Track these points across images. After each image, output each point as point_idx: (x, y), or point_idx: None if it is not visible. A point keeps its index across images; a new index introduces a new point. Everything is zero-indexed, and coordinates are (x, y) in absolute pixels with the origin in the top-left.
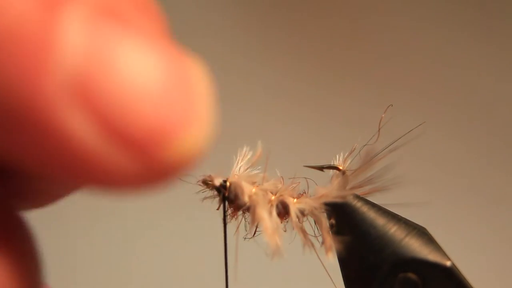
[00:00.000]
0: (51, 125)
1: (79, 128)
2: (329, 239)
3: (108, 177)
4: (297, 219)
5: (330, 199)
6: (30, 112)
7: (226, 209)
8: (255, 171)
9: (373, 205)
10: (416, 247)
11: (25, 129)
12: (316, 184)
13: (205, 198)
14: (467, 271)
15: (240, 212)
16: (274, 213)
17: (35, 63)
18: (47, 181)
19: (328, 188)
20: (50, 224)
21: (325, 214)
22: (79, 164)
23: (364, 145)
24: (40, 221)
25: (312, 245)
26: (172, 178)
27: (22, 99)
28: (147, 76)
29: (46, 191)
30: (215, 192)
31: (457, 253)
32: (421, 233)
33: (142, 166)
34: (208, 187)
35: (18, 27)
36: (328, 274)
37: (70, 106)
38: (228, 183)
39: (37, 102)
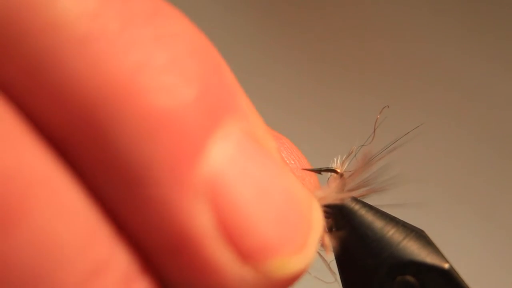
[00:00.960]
0: (176, 210)
1: (200, 222)
2: (327, 242)
3: (211, 273)
4: None
5: (328, 202)
6: (161, 192)
7: None
8: None
9: (371, 208)
10: (414, 250)
11: (150, 205)
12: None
13: None
14: (465, 273)
15: None
16: None
17: (185, 152)
18: None
19: (326, 191)
20: None
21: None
22: (189, 254)
23: (361, 146)
24: None
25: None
26: None
27: (159, 177)
28: (272, 199)
29: None
30: None
31: (455, 254)
32: (419, 235)
33: (243, 274)
34: None
35: (182, 114)
36: (330, 271)
37: (198, 202)
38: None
39: (171, 186)
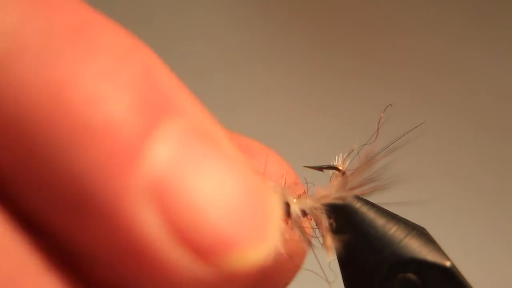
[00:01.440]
0: (123, 217)
1: (148, 226)
2: (329, 239)
3: (168, 274)
4: (298, 219)
5: (330, 200)
6: (104, 202)
7: None
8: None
9: (373, 206)
10: (416, 248)
11: (96, 217)
12: (314, 184)
13: None
14: (466, 271)
15: None
16: None
17: (124, 158)
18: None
19: (328, 189)
20: None
21: (325, 215)
22: (142, 259)
23: (364, 144)
24: None
25: (312, 245)
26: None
27: (100, 189)
28: (223, 192)
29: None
30: None
31: (457, 252)
32: (421, 233)
33: (201, 271)
34: None
35: (115, 124)
36: (325, 275)
37: (144, 205)
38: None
39: (114, 195)
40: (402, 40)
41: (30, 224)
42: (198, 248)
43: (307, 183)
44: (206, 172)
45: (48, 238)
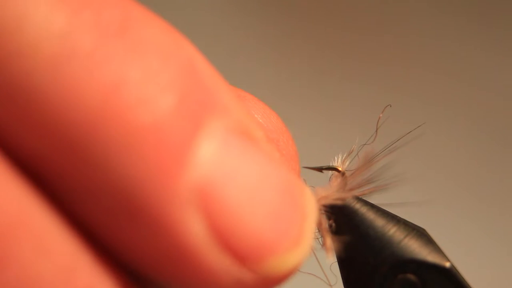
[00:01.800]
0: (170, 223)
1: (194, 232)
2: (329, 240)
3: (209, 278)
4: None
5: (329, 200)
6: (152, 207)
7: None
8: None
9: (372, 206)
10: (415, 248)
11: (141, 221)
12: (314, 185)
13: None
14: (466, 272)
15: None
16: None
17: (171, 162)
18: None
19: (328, 190)
20: None
21: (324, 215)
22: (185, 264)
23: (363, 145)
24: None
25: (311, 245)
26: None
27: (149, 194)
28: (265, 195)
29: None
30: None
31: (457, 253)
32: (421, 234)
33: (241, 275)
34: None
35: (163, 126)
36: (326, 275)
37: (190, 211)
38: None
39: (160, 200)
40: (403, 40)
41: (82, 227)
42: (240, 254)
43: (306, 184)
44: (248, 173)
45: (97, 240)
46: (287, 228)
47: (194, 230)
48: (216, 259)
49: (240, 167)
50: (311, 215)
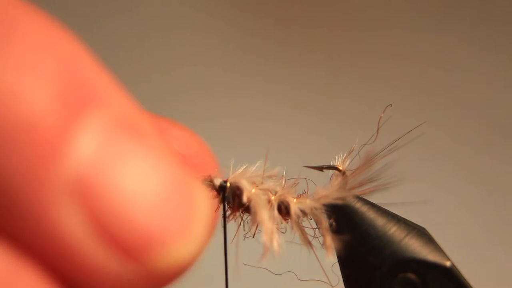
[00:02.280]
0: (46, 217)
1: (72, 224)
2: (329, 239)
3: (94, 274)
4: (297, 219)
5: (330, 200)
6: (27, 197)
7: (226, 209)
8: (255, 171)
9: (373, 205)
10: (416, 247)
11: (20, 214)
12: (315, 184)
13: None
14: (466, 271)
15: (239, 213)
16: (274, 213)
17: (43, 154)
18: None
19: (328, 189)
20: None
21: (325, 215)
22: (68, 256)
23: (364, 145)
24: None
25: (311, 245)
26: (154, 285)
27: (23, 184)
28: (149, 188)
29: None
30: (215, 193)
31: (457, 253)
32: (421, 233)
33: (127, 269)
34: (208, 188)
35: (36, 118)
36: (326, 274)
37: (66, 203)
38: (228, 184)
39: (37, 190)
40: (403, 40)
41: None
42: (123, 246)
43: (307, 183)
44: (131, 166)
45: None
46: (172, 220)
47: (71, 222)
48: (97, 252)
49: (122, 159)
50: (201, 209)
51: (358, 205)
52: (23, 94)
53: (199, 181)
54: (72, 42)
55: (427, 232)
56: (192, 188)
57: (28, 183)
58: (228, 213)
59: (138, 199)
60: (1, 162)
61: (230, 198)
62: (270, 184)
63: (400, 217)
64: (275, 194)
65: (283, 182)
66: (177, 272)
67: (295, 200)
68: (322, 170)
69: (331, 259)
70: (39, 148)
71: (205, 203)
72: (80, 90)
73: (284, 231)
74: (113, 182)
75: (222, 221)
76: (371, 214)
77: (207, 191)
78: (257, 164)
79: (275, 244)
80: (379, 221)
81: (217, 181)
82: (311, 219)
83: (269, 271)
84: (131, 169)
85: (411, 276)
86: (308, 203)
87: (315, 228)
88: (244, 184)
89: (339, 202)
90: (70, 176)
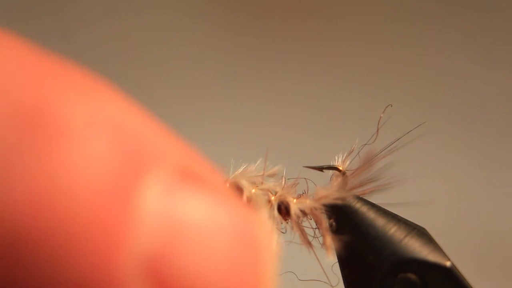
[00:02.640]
0: None
1: None
2: (329, 239)
3: None
4: (297, 219)
5: (330, 200)
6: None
7: None
8: (255, 171)
9: (373, 206)
10: (416, 248)
11: None
12: (315, 184)
13: None
14: (465, 272)
15: None
16: (274, 213)
17: (110, 238)
18: None
19: (328, 189)
20: None
21: (325, 215)
22: None
23: (364, 145)
24: None
25: (311, 245)
26: None
27: (93, 275)
28: (217, 245)
29: None
30: None
31: (457, 253)
32: (421, 233)
33: None
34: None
35: (89, 207)
36: (326, 275)
37: (140, 284)
38: (227, 184)
39: (108, 279)
40: (403, 40)
41: None
42: None
43: (307, 183)
44: (198, 222)
45: None
46: (243, 275)
47: None
48: None
49: (189, 216)
50: (267, 251)
51: (358, 205)
52: (79, 192)
53: (259, 217)
54: (115, 99)
55: (427, 232)
56: (255, 230)
57: (101, 267)
58: None
59: (207, 262)
60: (69, 267)
61: None
62: (270, 184)
63: (400, 217)
64: (275, 194)
65: (283, 182)
66: None
67: (295, 200)
68: (322, 170)
69: (331, 259)
70: (105, 231)
71: (269, 244)
72: (135, 154)
73: (284, 231)
74: (183, 253)
75: None
76: (371, 214)
77: (268, 225)
78: (257, 164)
79: (275, 244)
80: (379, 221)
81: None
82: (311, 219)
83: None
84: (198, 227)
85: (411, 276)
86: (308, 203)
87: (315, 228)
88: (244, 184)
89: (339, 202)
90: (142, 254)
